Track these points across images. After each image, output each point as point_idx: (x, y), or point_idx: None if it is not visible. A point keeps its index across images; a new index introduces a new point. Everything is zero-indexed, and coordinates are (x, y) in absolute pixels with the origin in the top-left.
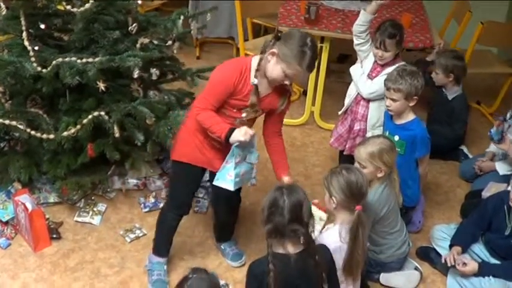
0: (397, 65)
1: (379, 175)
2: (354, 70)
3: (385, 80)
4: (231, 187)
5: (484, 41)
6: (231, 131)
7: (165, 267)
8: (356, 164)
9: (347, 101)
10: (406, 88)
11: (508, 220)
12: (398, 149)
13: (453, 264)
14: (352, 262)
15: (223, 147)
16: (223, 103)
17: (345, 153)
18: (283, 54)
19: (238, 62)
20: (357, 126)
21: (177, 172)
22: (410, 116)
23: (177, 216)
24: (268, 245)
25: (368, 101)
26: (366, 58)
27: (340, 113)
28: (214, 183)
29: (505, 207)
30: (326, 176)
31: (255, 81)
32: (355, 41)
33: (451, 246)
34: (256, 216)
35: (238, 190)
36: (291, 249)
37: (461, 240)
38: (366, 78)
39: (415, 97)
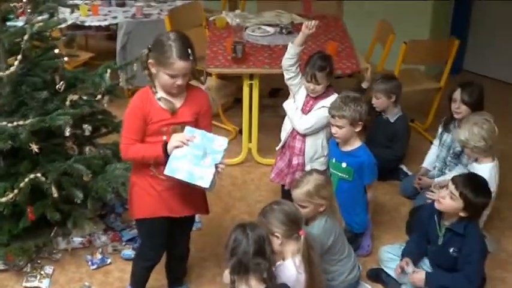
0: (330, 97)
1: (321, 209)
2: (288, 105)
3: (329, 108)
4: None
5: (410, 59)
6: (166, 144)
7: None
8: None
9: (283, 135)
10: (350, 114)
11: (438, 229)
12: (346, 176)
13: (401, 272)
14: (315, 286)
15: (173, 180)
16: (144, 134)
17: (285, 187)
18: (156, 59)
19: (139, 91)
20: (295, 161)
21: (140, 229)
22: (356, 143)
23: (142, 268)
24: (231, 281)
25: (304, 135)
26: (298, 92)
27: (277, 148)
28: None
29: (435, 216)
30: (260, 220)
31: (158, 95)
32: (286, 76)
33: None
34: (203, 262)
35: (192, 217)
36: (255, 285)
37: (409, 251)
38: (300, 113)
39: (360, 122)
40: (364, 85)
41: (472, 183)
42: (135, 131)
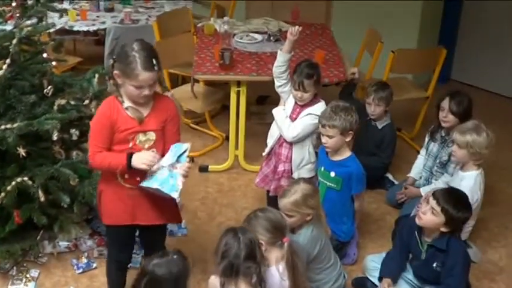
0: (316, 104)
1: (308, 218)
2: (277, 112)
3: (319, 117)
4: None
5: (397, 68)
6: (130, 156)
7: None
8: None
9: (270, 141)
10: (340, 124)
11: (420, 246)
12: (334, 185)
13: None
14: None
15: (139, 189)
16: (111, 142)
17: (270, 194)
18: (121, 70)
19: (106, 100)
20: (281, 167)
21: (108, 233)
22: (346, 153)
23: (115, 269)
24: (221, 284)
25: (291, 142)
26: (288, 100)
27: (264, 154)
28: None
29: (416, 232)
30: (244, 227)
31: (125, 104)
32: (277, 83)
33: (380, 278)
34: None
35: (162, 225)
36: None
37: (389, 271)
38: (289, 122)
39: (351, 132)
40: (356, 80)
41: (454, 198)
42: (103, 140)
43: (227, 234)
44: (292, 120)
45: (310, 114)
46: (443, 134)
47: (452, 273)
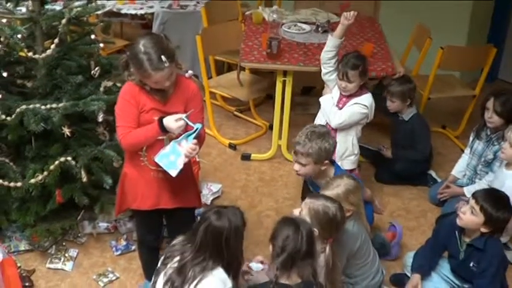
0: (363, 95)
1: (347, 214)
2: (325, 101)
3: (294, 143)
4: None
5: (446, 65)
6: (161, 120)
7: None
8: None
9: None
10: (316, 152)
11: (459, 245)
12: None
13: None
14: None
15: (163, 172)
16: (138, 125)
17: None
18: (135, 70)
19: (126, 84)
20: None
21: (135, 217)
22: (331, 171)
23: (146, 251)
24: (275, 276)
25: (335, 131)
26: (334, 88)
27: None
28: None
29: (456, 232)
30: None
31: (147, 87)
32: (324, 70)
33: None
34: None
35: (187, 209)
36: (295, 279)
37: (420, 267)
38: (336, 109)
39: (326, 161)
40: (386, 82)
41: (493, 198)
42: (132, 119)
43: (288, 226)
44: (339, 109)
45: (357, 103)
46: (488, 133)
47: (484, 275)
